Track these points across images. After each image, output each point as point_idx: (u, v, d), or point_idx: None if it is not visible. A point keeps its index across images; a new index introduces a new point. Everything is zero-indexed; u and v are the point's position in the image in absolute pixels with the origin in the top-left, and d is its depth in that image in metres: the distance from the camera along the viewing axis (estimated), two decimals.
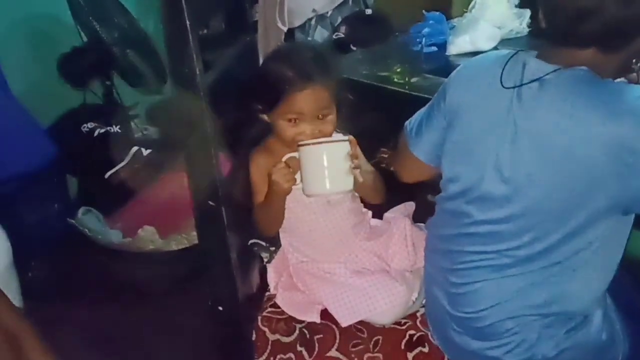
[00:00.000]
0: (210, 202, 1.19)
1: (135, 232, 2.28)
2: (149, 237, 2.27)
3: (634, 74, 1.21)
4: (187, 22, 1.03)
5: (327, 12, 2.38)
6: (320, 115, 1.29)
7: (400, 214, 1.54)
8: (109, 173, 2.43)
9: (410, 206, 1.56)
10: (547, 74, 1.04)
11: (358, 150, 1.26)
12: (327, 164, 1.23)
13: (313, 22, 2.32)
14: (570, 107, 1.01)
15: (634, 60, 1.20)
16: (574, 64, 1.03)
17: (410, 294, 1.37)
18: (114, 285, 2.06)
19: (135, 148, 2.48)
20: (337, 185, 1.25)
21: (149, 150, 2.51)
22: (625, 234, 1.12)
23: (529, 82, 1.06)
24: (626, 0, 0.97)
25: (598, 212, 1.02)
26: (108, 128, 2.50)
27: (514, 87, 1.08)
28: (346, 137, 1.27)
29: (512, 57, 1.12)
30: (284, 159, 1.27)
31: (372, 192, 1.40)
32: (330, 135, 1.34)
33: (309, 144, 1.24)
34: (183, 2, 1.05)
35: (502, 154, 1.08)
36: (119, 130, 2.53)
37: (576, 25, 1.01)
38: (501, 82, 1.10)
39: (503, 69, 1.11)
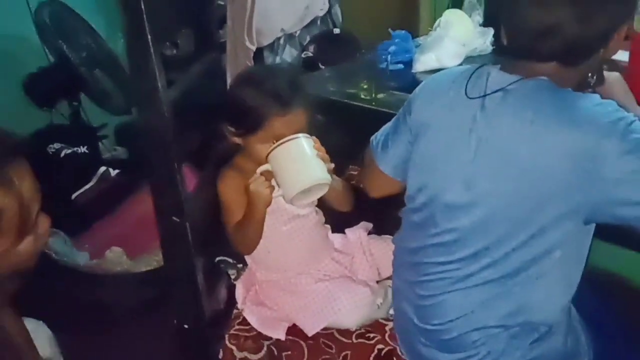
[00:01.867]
0: (175, 218, 1.17)
1: (103, 254, 2.24)
2: (116, 259, 2.23)
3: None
4: (149, 37, 1.03)
5: (296, 32, 2.40)
6: None
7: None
8: (75, 194, 2.39)
9: (368, 225, 1.60)
10: (510, 83, 1.06)
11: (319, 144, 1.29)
12: (301, 155, 1.25)
13: (282, 41, 2.35)
14: (531, 114, 1.03)
15: (589, 74, 1.24)
16: (535, 75, 1.05)
17: (374, 297, 1.39)
18: (80, 308, 2.01)
19: (102, 168, 2.45)
20: (315, 174, 1.25)
21: (116, 171, 2.48)
22: (587, 245, 1.13)
23: (493, 92, 1.08)
24: (583, 18, 0.99)
25: (558, 218, 1.03)
26: (75, 149, 2.47)
27: (478, 98, 1.10)
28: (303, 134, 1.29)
29: (476, 70, 1.15)
30: (258, 171, 1.28)
31: (341, 197, 1.42)
32: None
33: (276, 147, 1.24)
34: (144, 18, 1.04)
35: (466, 163, 1.10)
36: (87, 151, 2.50)
37: (537, 42, 1.03)
38: (466, 94, 1.12)
39: (468, 81, 1.13)
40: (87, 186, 2.39)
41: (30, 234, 0.94)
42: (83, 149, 2.48)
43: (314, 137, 1.29)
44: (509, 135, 1.05)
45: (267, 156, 1.26)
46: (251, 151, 1.34)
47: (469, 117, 1.11)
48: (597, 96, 1.06)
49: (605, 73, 1.32)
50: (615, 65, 1.56)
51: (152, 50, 1.04)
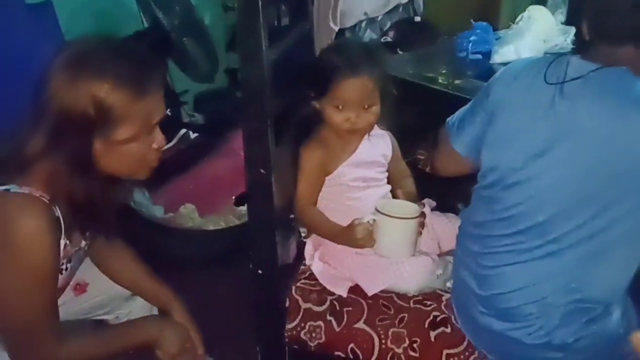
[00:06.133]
0: (262, 170, 1.28)
1: (177, 209, 2.39)
2: (189, 214, 2.38)
3: None
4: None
5: (378, 17, 2.48)
6: (365, 105, 1.41)
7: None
8: None
9: (431, 202, 1.66)
10: (590, 71, 1.11)
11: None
12: (401, 236, 1.41)
13: (363, 24, 2.43)
14: (611, 99, 1.09)
15: None
16: (613, 62, 1.10)
17: (435, 266, 1.46)
18: (156, 256, 2.15)
19: (183, 130, 2.60)
20: (404, 253, 1.42)
21: (196, 134, 2.63)
22: None
23: (573, 79, 1.13)
24: None
25: (626, 196, 1.08)
26: None
27: (557, 84, 1.16)
28: (420, 209, 1.43)
29: (556, 58, 1.20)
30: (365, 220, 1.40)
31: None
32: (372, 125, 1.45)
33: (388, 215, 1.38)
34: None
35: (541, 141, 1.16)
36: (169, 113, 2.65)
37: (622, 21, 1.09)
38: (545, 79, 1.18)
39: (548, 68, 1.19)
40: (168, 145, 2.53)
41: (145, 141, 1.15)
42: (166, 111, 2.62)
43: (424, 211, 1.45)
44: (589, 116, 1.11)
45: (377, 208, 1.39)
46: (325, 115, 1.44)
47: (547, 99, 1.16)
48: None
49: None
50: None
51: (260, 10, 1.15)
